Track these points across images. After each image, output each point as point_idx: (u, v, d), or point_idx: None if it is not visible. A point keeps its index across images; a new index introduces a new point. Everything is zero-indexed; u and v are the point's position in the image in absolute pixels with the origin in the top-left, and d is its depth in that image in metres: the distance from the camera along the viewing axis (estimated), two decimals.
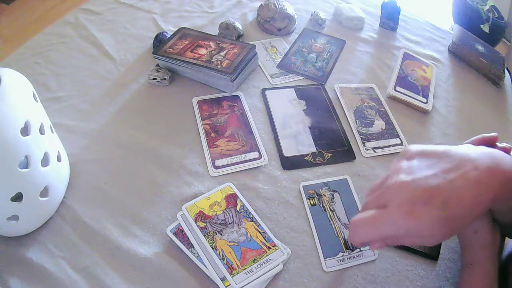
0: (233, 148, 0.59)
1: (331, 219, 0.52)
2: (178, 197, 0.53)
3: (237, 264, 0.45)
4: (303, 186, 0.55)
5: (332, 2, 0.97)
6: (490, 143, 0.40)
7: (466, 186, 0.31)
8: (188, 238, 0.47)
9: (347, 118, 0.66)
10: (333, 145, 0.61)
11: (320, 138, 0.62)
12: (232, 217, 0.50)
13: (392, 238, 0.34)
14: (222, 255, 0.46)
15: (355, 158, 0.60)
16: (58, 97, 0.66)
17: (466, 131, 0.67)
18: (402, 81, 0.73)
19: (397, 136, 0.64)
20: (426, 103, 0.70)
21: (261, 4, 0.85)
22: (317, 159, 0.59)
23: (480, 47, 0.82)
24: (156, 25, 0.84)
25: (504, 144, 0.41)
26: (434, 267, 0.48)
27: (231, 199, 0.52)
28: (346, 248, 0.49)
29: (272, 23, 0.83)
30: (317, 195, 0.54)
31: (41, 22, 1.88)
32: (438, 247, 0.49)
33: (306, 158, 0.59)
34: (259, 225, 0.50)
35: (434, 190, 0.31)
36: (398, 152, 0.61)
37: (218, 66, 0.66)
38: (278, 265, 0.46)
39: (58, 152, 0.50)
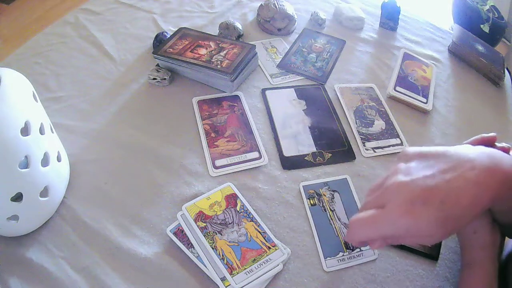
0: (233, 148, 0.59)
1: (331, 219, 0.52)
2: (178, 197, 0.53)
3: (237, 264, 0.45)
4: (303, 186, 0.55)
5: (332, 2, 0.97)
6: (489, 143, 0.40)
7: (465, 186, 0.31)
8: (188, 238, 0.47)
9: (347, 118, 0.66)
10: (333, 145, 0.61)
11: (320, 138, 0.62)
12: (232, 217, 0.50)
13: (392, 237, 0.34)
14: (222, 255, 0.46)
15: (355, 158, 0.60)
16: (58, 97, 0.66)
17: (466, 131, 0.67)
18: (402, 81, 0.73)
19: (397, 136, 0.64)
20: (426, 103, 0.70)
21: (261, 4, 0.85)
22: (317, 159, 0.59)
23: (480, 47, 0.82)
24: (156, 25, 0.84)
25: (503, 144, 0.41)
26: (434, 267, 0.48)
27: (231, 199, 0.52)
28: (346, 248, 0.49)
29: (272, 23, 0.83)
30: (317, 195, 0.54)
31: (41, 22, 1.88)
32: (438, 247, 0.49)
33: (306, 158, 0.59)
34: (259, 225, 0.50)
35: (432, 190, 0.32)
36: (398, 152, 0.61)
37: (218, 66, 0.66)
38: (278, 265, 0.46)
39: (58, 152, 0.50)
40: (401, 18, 0.89)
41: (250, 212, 0.51)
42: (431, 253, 0.49)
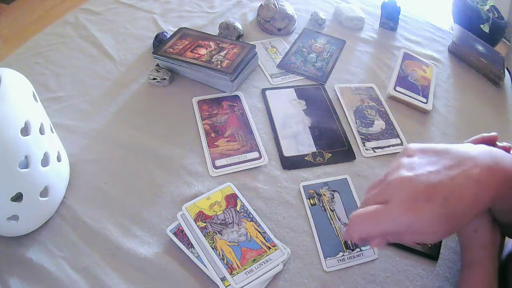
0: (233, 148, 0.59)
1: (331, 219, 0.52)
2: (178, 197, 0.53)
3: (237, 264, 0.45)
4: (303, 186, 0.55)
5: (332, 2, 0.97)
6: (490, 142, 0.40)
7: (467, 183, 0.31)
8: (188, 238, 0.47)
9: (347, 118, 0.66)
10: (333, 145, 0.61)
11: (320, 138, 0.62)
12: (232, 217, 0.50)
13: (393, 234, 0.34)
14: (222, 255, 0.46)
15: (355, 158, 0.60)
16: (58, 97, 0.66)
17: (466, 131, 0.67)
18: (402, 81, 0.73)
19: (397, 136, 0.64)
20: (426, 103, 0.70)
21: (261, 4, 0.85)
22: (317, 159, 0.59)
23: (480, 47, 0.82)
24: (156, 25, 0.84)
25: (504, 143, 0.41)
26: (434, 267, 0.48)
27: (231, 199, 0.52)
28: (346, 248, 0.49)
29: (272, 23, 0.83)
30: (317, 195, 0.54)
31: (41, 22, 1.88)
32: (438, 247, 0.49)
33: (306, 158, 0.59)
34: (259, 225, 0.50)
35: (436, 187, 0.31)
36: (398, 152, 0.61)
37: (218, 66, 0.66)
38: (278, 265, 0.46)
39: (58, 152, 0.50)
40: (401, 18, 0.89)
41: (250, 212, 0.51)
42: (431, 253, 0.49)
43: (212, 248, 0.46)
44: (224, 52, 0.70)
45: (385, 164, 0.60)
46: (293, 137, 0.62)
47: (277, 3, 0.83)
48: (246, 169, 0.57)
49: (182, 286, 0.44)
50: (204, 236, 0.47)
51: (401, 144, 0.63)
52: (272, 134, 0.63)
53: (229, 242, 0.47)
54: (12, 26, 1.88)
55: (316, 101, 0.69)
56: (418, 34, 0.90)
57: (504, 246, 0.43)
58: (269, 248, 0.47)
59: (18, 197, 0.42)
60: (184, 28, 0.77)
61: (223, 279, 0.44)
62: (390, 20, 0.88)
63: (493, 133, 0.41)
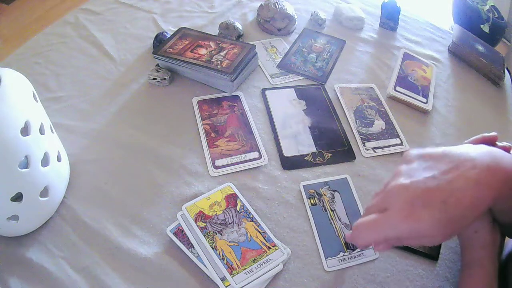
0: (233, 148, 0.59)
1: (332, 219, 0.52)
2: (178, 197, 0.53)
3: (237, 264, 0.45)
4: (303, 185, 0.55)
5: (332, 2, 0.97)
6: (490, 142, 0.40)
7: (466, 185, 0.31)
8: (188, 238, 0.47)
9: (347, 118, 0.66)
10: (333, 145, 0.61)
11: (320, 138, 0.62)
12: (232, 217, 0.50)
13: (395, 239, 0.34)
14: (222, 255, 0.46)
15: (355, 158, 0.60)
16: (58, 97, 0.66)
17: (466, 131, 0.67)
18: (402, 81, 0.73)
19: (397, 136, 0.64)
20: (426, 103, 0.70)
21: (261, 4, 0.85)
22: (317, 159, 0.59)
23: (480, 47, 0.82)
24: (156, 25, 0.84)
25: (504, 143, 0.41)
26: (434, 267, 0.48)
27: (231, 199, 0.52)
28: (347, 248, 0.49)
29: (272, 23, 0.83)
30: (317, 194, 0.54)
31: (41, 22, 1.88)
32: (438, 247, 0.49)
33: (306, 158, 0.59)
34: (259, 225, 0.50)
35: (433, 191, 0.31)
36: (398, 152, 0.61)
37: (218, 66, 0.66)
38: (278, 265, 0.46)
39: (58, 152, 0.50)
40: (401, 18, 0.89)
41: (250, 212, 0.51)
42: (431, 253, 0.49)
43: (212, 248, 0.46)
44: (224, 52, 0.70)
45: (385, 164, 0.60)
46: (293, 137, 0.62)
47: (277, 3, 0.83)
48: (246, 169, 0.57)
49: (182, 286, 0.44)
50: (204, 236, 0.47)
51: (401, 144, 0.63)
52: (272, 134, 0.63)
53: (229, 242, 0.47)
54: (12, 26, 1.88)
55: (316, 101, 0.69)
56: (418, 34, 0.90)
57: (504, 246, 0.43)
58: (269, 248, 0.47)
59: (18, 197, 0.42)
60: (184, 28, 0.77)
61: (223, 279, 0.44)
62: (390, 20, 0.88)
63: (493, 133, 0.41)
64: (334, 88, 0.72)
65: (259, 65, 0.75)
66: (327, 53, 0.80)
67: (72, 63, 0.74)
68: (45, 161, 0.45)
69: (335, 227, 0.51)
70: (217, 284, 0.44)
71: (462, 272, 0.42)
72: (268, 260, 0.46)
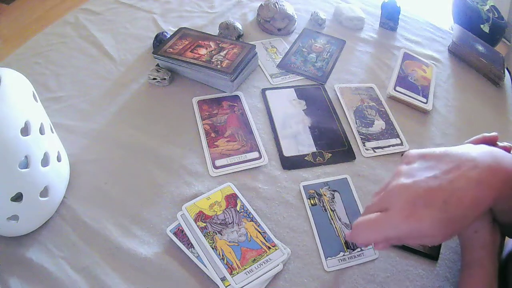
0: (233, 148, 0.59)
1: (332, 219, 0.52)
2: (178, 197, 0.53)
3: (237, 264, 0.45)
4: (303, 185, 0.55)
5: (332, 2, 0.97)
6: (490, 142, 0.40)
7: (467, 185, 0.31)
8: (188, 238, 0.47)
9: (347, 118, 0.66)
10: (333, 145, 0.61)
11: (320, 138, 0.62)
12: (232, 217, 0.50)
13: (395, 239, 0.34)
14: (222, 255, 0.46)
15: (355, 158, 0.60)
16: (58, 97, 0.66)
17: (466, 131, 0.67)
18: (402, 81, 0.73)
19: (397, 136, 0.64)
20: (426, 103, 0.70)
21: (261, 4, 0.85)
22: (317, 159, 0.59)
23: (480, 47, 0.82)
24: (156, 25, 0.84)
25: (505, 143, 0.41)
26: (434, 267, 0.48)
27: (231, 199, 0.52)
28: (347, 248, 0.49)
29: (272, 23, 0.83)
30: (317, 194, 0.54)
31: (41, 22, 1.88)
32: (438, 247, 0.49)
33: (306, 158, 0.59)
34: (259, 225, 0.50)
35: (435, 191, 0.31)
36: (398, 152, 0.61)
37: (218, 66, 0.66)
38: (278, 265, 0.46)
39: (58, 152, 0.50)
40: (401, 18, 0.89)
41: (250, 212, 0.51)
42: (431, 253, 0.49)
43: (212, 248, 0.46)
44: (224, 52, 0.70)
45: (385, 164, 0.60)
46: (293, 137, 0.62)
47: (277, 3, 0.83)
48: (246, 169, 0.57)
49: (182, 286, 0.44)
50: (204, 236, 0.47)
51: (401, 144, 0.63)
52: (272, 134, 0.63)
53: (229, 242, 0.47)
54: (12, 26, 1.88)
55: (316, 101, 0.69)
56: (418, 34, 0.90)
57: (504, 246, 0.43)
58: (269, 248, 0.47)
59: (18, 197, 0.42)
60: (184, 28, 0.77)
61: (223, 279, 0.44)
62: (390, 20, 0.88)
63: (493, 133, 0.41)
64: (334, 88, 0.72)
65: (259, 65, 0.75)
66: (327, 53, 0.80)
67: (72, 63, 0.74)
68: (45, 161, 0.45)
69: (335, 227, 0.51)
70: (217, 284, 0.44)
71: (462, 272, 0.42)
72: (268, 260, 0.46)
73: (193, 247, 0.47)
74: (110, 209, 0.51)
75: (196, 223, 0.48)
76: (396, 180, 0.35)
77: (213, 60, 0.68)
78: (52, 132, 0.50)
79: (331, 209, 0.53)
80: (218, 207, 0.51)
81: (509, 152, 0.37)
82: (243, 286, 0.43)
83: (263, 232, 0.49)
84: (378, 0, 0.91)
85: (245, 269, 0.45)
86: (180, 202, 0.52)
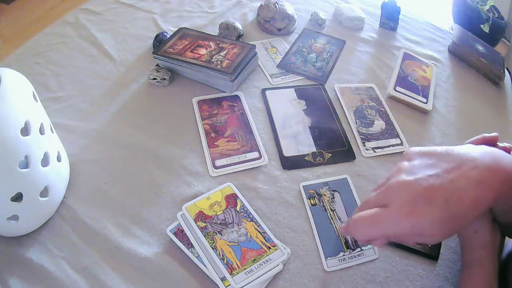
0: (233, 148, 0.59)
1: (332, 219, 0.52)
2: (178, 197, 0.53)
3: (237, 264, 0.45)
4: (303, 186, 0.55)
5: (332, 2, 0.97)
6: (491, 143, 0.40)
7: (468, 185, 0.31)
8: (188, 238, 0.47)
9: (347, 118, 0.66)
10: (333, 145, 0.61)
11: (320, 138, 0.62)
12: (232, 217, 0.50)
13: (394, 236, 0.34)
14: (222, 255, 0.46)
15: (355, 158, 0.60)
16: (58, 97, 0.66)
17: (466, 131, 0.67)
18: (402, 81, 0.73)
19: (397, 136, 0.64)
20: (426, 103, 0.70)
21: (261, 4, 0.85)
22: (317, 159, 0.59)
23: (480, 47, 0.82)
24: (156, 25, 0.84)
25: (505, 144, 0.41)
26: (434, 267, 0.48)
27: (231, 199, 0.52)
28: (347, 248, 0.49)
29: (272, 23, 0.83)
30: (317, 195, 0.54)
31: (41, 22, 1.88)
32: (438, 247, 0.49)
33: (306, 158, 0.59)
34: (259, 225, 0.50)
35: (436, 189, 0.31)
36: (398, 152, 0.61)
37: (218, 66, 0.66)
38: (278, 265, 0.46)
39: (58, 152, 0.50)
40: (401, 18, 0.89)
41: (250, 212, 0.51)
42: (431, 253, 0.49)
43: (212, 248, 0.46)
44: (224, 52, 0.70)
45: (385, 164, 0.60)
46: (293, 137, 0.62)
47: (277, 3, 0.83)
48: (246, 169, 0.57)
49: (182, 286, 0.44)
50: (204, 236, 0.47)
51: (401, 144, 0.63)
52: (272, 134, 0.63)
53: (229, 242, 0.47)
54: (12, 26, 1.88)
55: (316, 101, 0.69)
56: (418, 34, 0.90)
57: (504, 246, 0.43)
58: (269, 248, 0.47)
59: (18, 197, 0.42)
60: (184, 28, 0.77)
61: (223, 279, 0.44)
62: (390, 20, 0.88)
63: (494, 134, 0.41)
64: (334, 88, 0.72)
65: (259, 65, 0.75)
66: (327, 53, 0.80)
67: (72, 63, 0.74)
68: (45, 161, 0.45)
69: (335, 227, 0.51)
70: (217, 284, 0.44)
71: (462, 272, 0.42)
72: (268, 260, 0.46)
73: (193, 247, 0.47)
74: (110, 209, 0.51)
75: (196, 223, 0.48)
76: (397, 177, 0.35)
77: (213, 60, 0.68)
78: (52, 132, 0.50)
79: (331, 209, 0.53)
80: (218, 207, 0.51)
81: (509, 152, 0.37)
82: (243, 286, 0.43)
83: (263, 232, 0.49)
84: (378, 0, 0.91)
85: (245, 269, 0.45)
86: (180, 202, 0.52)
